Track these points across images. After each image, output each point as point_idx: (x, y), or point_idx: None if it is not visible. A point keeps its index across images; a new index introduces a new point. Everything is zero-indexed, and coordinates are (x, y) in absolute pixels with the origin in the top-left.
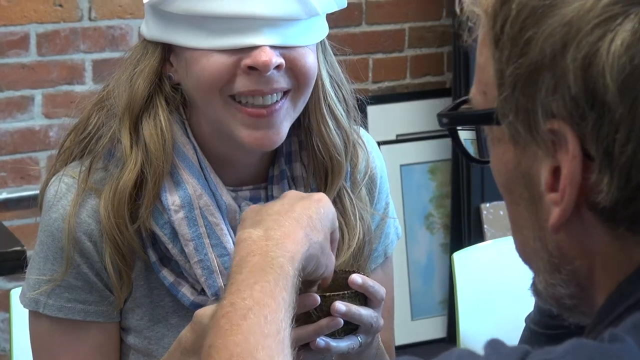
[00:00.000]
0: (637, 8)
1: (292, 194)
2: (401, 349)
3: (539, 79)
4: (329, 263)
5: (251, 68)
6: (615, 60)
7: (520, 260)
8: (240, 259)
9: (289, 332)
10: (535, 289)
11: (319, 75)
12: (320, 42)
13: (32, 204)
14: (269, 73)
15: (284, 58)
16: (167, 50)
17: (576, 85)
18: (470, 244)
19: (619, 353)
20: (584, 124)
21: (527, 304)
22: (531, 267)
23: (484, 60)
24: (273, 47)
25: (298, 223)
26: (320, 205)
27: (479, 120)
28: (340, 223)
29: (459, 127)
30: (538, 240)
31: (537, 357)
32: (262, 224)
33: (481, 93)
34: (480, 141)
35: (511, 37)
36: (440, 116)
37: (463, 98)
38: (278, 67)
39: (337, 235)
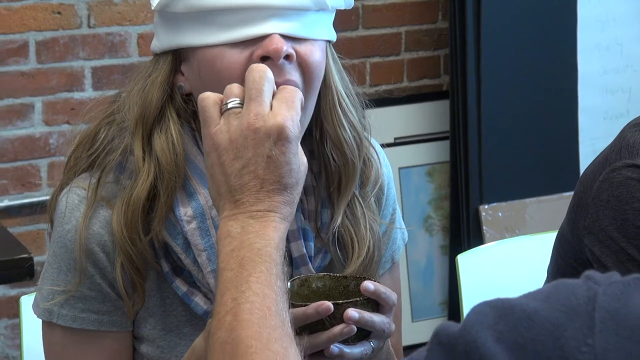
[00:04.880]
0: None
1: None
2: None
3: None
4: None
5: (263, 59)
6: None
7: (522, 261)
8: (226, 254)
9: (289, 321)
10: None
11: (332, 80)
12: (329, 50)
13: (33, 211)
14: (280, 62)
15: (294, 50)
16: (178, 60)
17: None
18: (469, 245)
19: None
20: None
21: None
22: None
23: None
24: (283, 37)
25: (273, 204)
26: (283, 148)
27: None
28: (350, 232)
29: None
30: None
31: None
32: (238, 217)
33: None
34: None
35: None
36: None
37: None
38: (289, 57)
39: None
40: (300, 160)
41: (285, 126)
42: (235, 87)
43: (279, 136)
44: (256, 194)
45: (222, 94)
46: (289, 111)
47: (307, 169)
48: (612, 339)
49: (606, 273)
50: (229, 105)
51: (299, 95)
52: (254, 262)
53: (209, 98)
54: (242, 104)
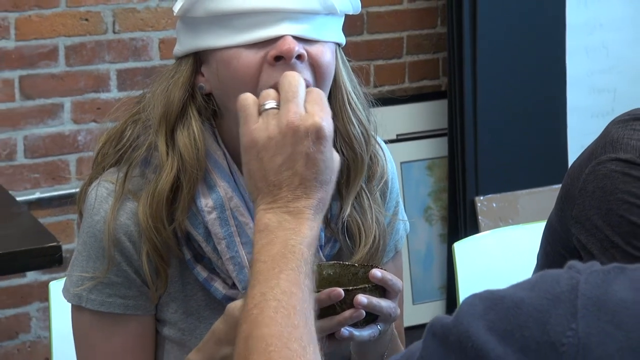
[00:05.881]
0: None
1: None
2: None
3: None
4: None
5: (276, 59)
6: None
7: (514, 249)
8: (261, 247)
9: (313, 319)
10: None
11: (342, 80)
12: (339, 52)
13: (63, 202)
14: (292, 61)
15: (305, 51)
16: (198, 63)
17: None
18: (466, 234)
19: None
20: None
21: None
22: None
23: None
24: (295, 39)
25: (309, 201)
26: (321, 147)
27: None
28: (358, 223)
29: None
30: None
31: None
32: (276, 211)
33: None
34: None
35: None
36: None
37: None
38: (300, 57)
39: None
40: (334, 157)
41: (322, 125)
42: (271, 92)
43: (317, 134)
44: (294, 191)
45: (240, 92)
46: (323, 111)
47: (339, 166)
48: (594, 323)
49: (588, 262)
50: (267, 107)
51: (324, 95)
52: (286, 259)
53: (249, 98)
54: (278, 106)
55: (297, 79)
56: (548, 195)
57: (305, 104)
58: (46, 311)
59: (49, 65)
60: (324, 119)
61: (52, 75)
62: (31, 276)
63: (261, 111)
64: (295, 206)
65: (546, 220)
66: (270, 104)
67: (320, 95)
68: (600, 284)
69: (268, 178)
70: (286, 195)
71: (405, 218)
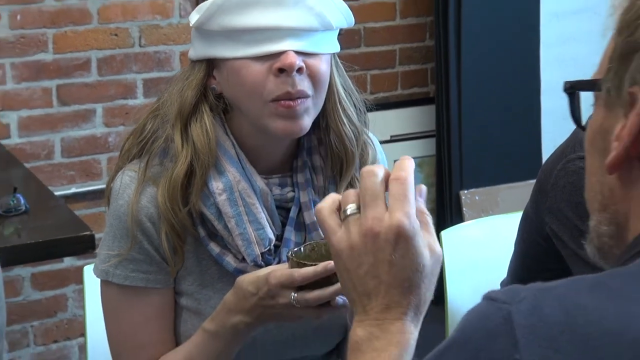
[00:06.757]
0: None
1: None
2: None
3: (634, 56)
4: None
5: (280, 71)
6: None
7: (495, 237)
8: None
9: None
10: (590, 235)
11: (335, 84)
12: (334, 59)
13: (95, 197)
14: (293, 74)
15: (304, 64)
16: (211, 67)
17: None
18: (452, 223)
19: (617, 286)
20: None
21: (502, 271)
22: (591, 208)
23: (609, 45)
24: (296, 53)
25: (400, 310)
26: (403, 250)
27: (590, 86)
28: None
29: (574, 90)
30: (599, 184)
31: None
32: (365, 326)
33: (598, 69)
34: (574, 108)
35: (629, 22)
36: (566, 82)
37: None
38: (300, 70)
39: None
40: (430, 251)
41: (401, 227)
42: (351, 194)
43: (397, 238)
44: (382, 299)
45: (248, 97)
46: (403, 208)
47: (439, 258)
48: (536, 350)
49: (507, 288)
50: (348, 212)
51: (408, 184)
52: None
53: (323, 209)
54: (359, 209)
55: (374, 180)
56: (525, 189)
57: (389, 200)
58: (81, 292)
59: (83, 75)
60: (403, 216)
61: (86, 84)
62: (68, 262)
63: (343, 218)
64: (385, 317)
65: (523, 211)
66: (351, 208)
67: (403, 188)
68: (532, 310)
69: (357, 289)
70: (375, 306)
71: None
